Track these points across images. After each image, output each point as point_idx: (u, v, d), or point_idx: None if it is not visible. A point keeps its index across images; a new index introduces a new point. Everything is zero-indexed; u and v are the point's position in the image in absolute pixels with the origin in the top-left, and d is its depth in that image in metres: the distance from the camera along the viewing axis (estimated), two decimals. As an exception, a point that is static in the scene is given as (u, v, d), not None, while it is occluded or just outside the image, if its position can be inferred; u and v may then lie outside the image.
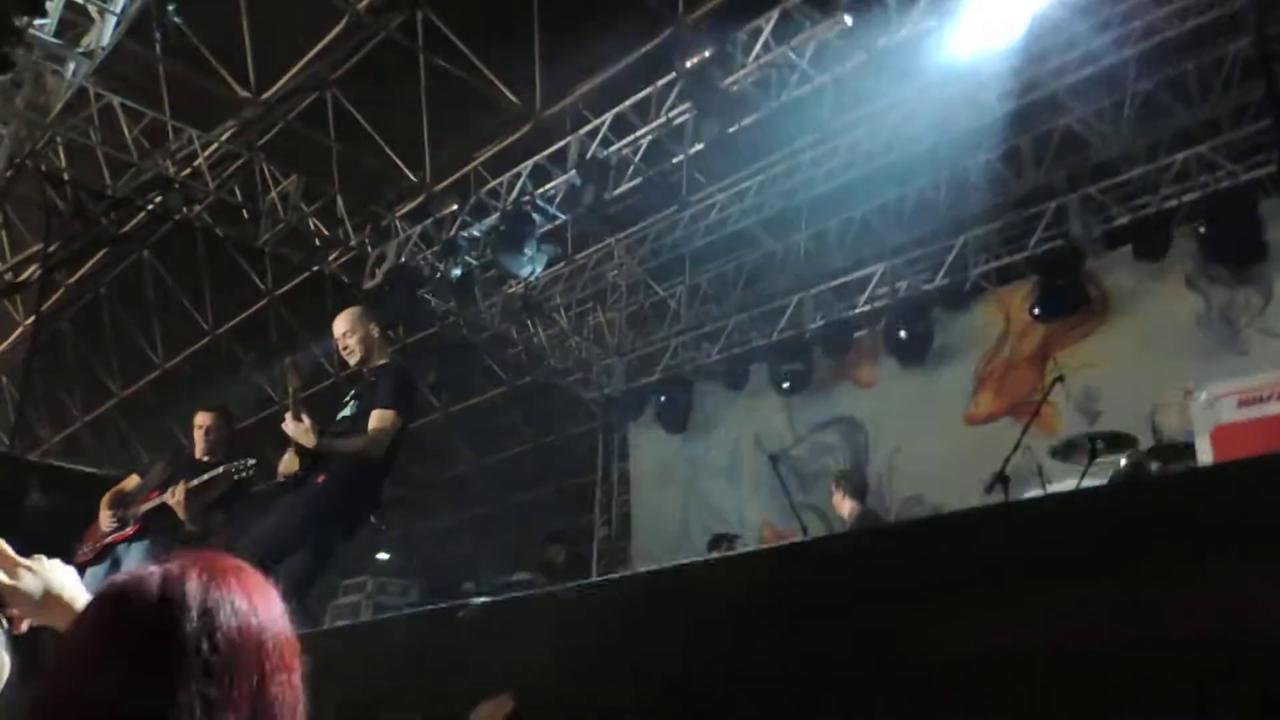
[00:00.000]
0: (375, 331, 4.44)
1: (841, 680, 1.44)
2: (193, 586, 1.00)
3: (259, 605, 1.03)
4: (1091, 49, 7.53)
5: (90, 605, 1.04)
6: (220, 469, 4.55)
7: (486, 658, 2.47)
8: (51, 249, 9.36)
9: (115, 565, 4.73)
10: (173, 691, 0.93)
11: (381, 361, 4.39)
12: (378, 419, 4.09)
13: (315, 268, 10.29)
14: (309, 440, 3.96)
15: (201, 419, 5.02)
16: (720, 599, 1.78)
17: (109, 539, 4.80)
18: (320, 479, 4.04)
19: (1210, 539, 1.22)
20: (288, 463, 4.12)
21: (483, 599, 2.85)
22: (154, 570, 1.04)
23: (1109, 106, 8.34)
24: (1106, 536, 1.34)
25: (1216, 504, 1.29)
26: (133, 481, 5.03)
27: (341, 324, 4.40)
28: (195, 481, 4.56)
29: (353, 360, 4.37)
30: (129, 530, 4.78)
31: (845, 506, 7.28)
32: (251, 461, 4.54)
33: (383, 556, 15.97)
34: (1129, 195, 8.53)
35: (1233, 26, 7.08)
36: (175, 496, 4.54)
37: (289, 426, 4.00)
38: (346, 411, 4.17)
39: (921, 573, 1.50)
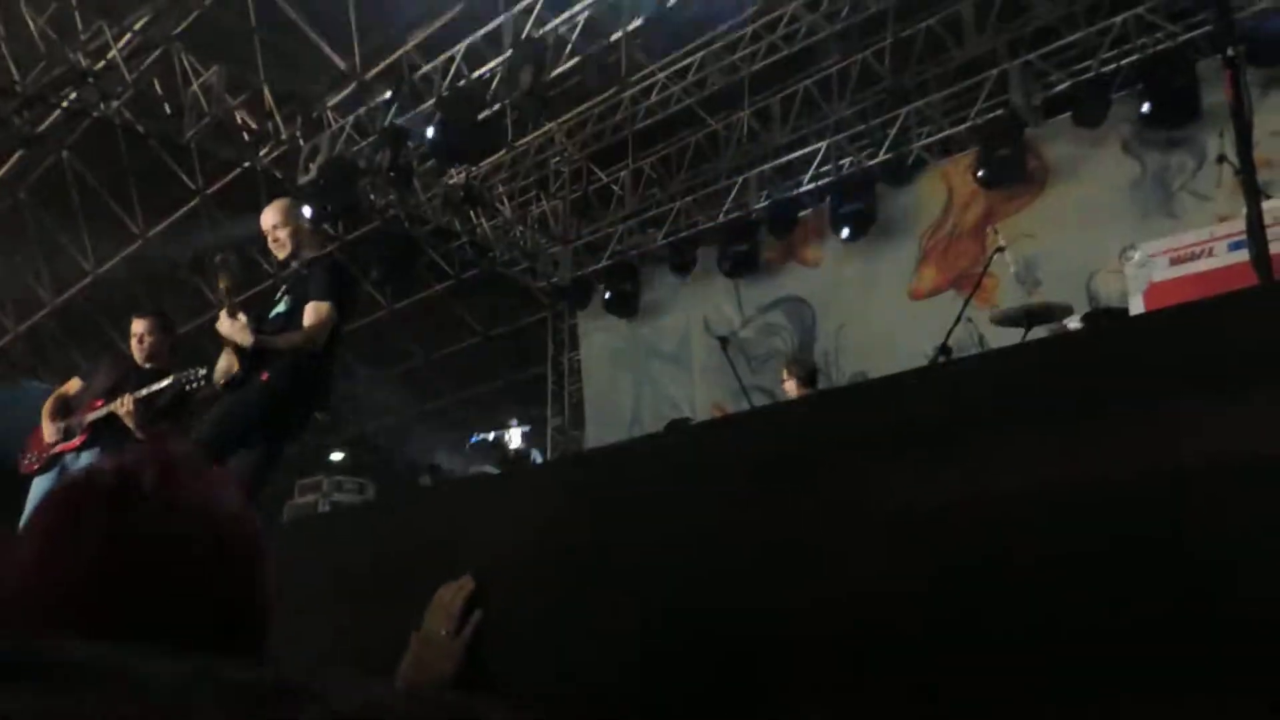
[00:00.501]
0: (305, 224, 4.35)
1: (797, 541, 1.48)
2: (149, 477, 0.99)
3: (218, 494, 1.03)
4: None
5: (44, 500, 1.02)
6: (170, 379, 4.47)
7: (447, 540, 2.50)
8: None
9: (64, 474, 4.69)
10: (132, 581, 0.93)
11: (313, 254, 4.29)
12: (314, 311, 4.02)
13: (246, 164, 9.94)
14: (245, 338, 3.88)
15: (137, 326, 4.91)
16: (674, 472, 1.81)
17: (56, 449, 4.73)
18: (264, 377, 3.97)
19: (1137, 381, 1.26)
20: (226, 364, 4.04)
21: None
22: (109, 463, 1.02)
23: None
24: (1038, 387, 1.37)
25: (1143, 348, 1.32)
26: (75, 385, 4.94)
27: (270, 216, 4.27)
28: (144, 392, 4.50)
29: (281, 254, 4.25)
30: (76, 440, 4.72)
31: (794, 391, 7.40)
32: (202, 371, 4.42)
33: (337, 455, 16.02)
34: (1069, 61, 8.52)
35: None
36: (124, 406, 4.48)
37: (224, 325, 3.91)
38: (280, 308, 4.07)
39: (870, 432, 1.53)
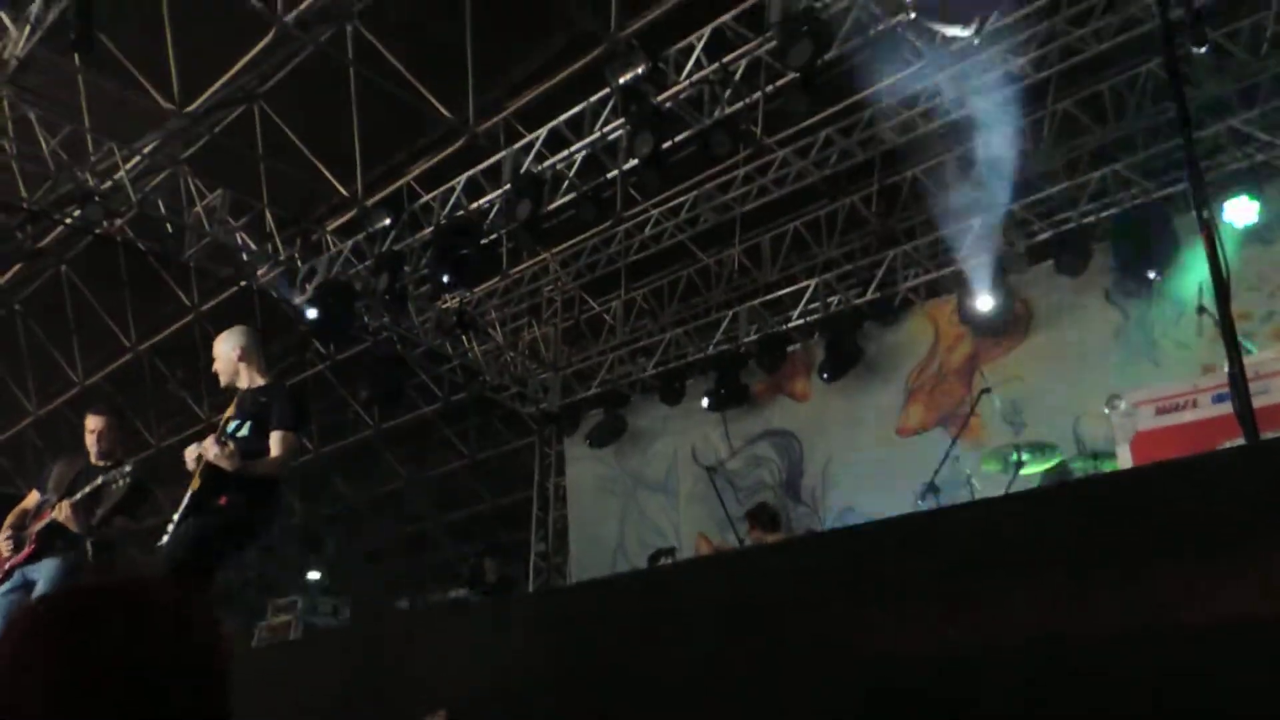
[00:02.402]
0: (256, 352, 4.45)
1: (776, 687, 1.45)
2: (118, 602, 0.99)
3: (188, 618, 1.02)
4: (1012, 69, 7.77)
5: (7, 627, 1.01)
6: (100, 481, 4.53)
7: (422, 669, 2.44)
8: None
9: (26, 585, 4.72)
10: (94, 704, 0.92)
11: (265, 381, 4.39)
12: (281, 441, 4.13)
13: (243, 282, 10.06)
14: (231, 464, 3.96)
15: (92, 423, 4.96)
16: (656, 608, 1.78)
17: (10, 562, 4.76)
18: (221, 500, 4.06)
19: (1130, 538, 1.26)
20: (191, 462, 4.12)
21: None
22: (72, 588, 1.02)
23: (1030, 125, 8.61)
24: (1034, 538, 1.38)
25: (1135, 505, 1.33)
26: (34, 499, 4.94)
27: (220, 346, 4.42)
28: (77, 496, 4.57)
29: (229, 382, 4.37)
30: (25, 551, 4.75)
31: (767, 540, 7.40)
32: (127, 468, 4.51)
33: (314, 576, 15.68)
34: (1050, 211, 8.81)
35: (1144, 48, 7.35)
36: (63, 513, 4.55)
37: (209, 449, 3.99)
38: (244, 432, 4.10)
39: (856, 577, 1.52)
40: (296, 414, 4.27)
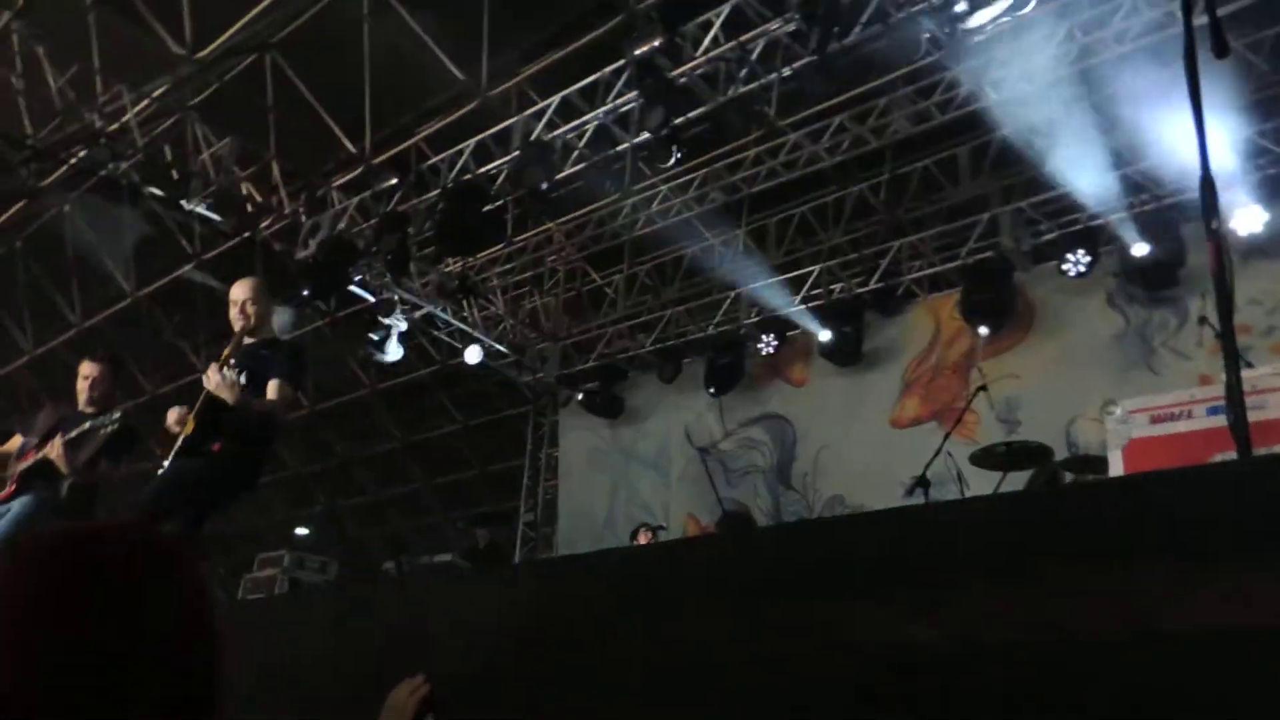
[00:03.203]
0: (272, 307, 4.49)
1: (757, 670, 1.45)
2: (114, 555, 0.99)
3: (180, 573, 1.03)
4: (1031, 65, 7.71)
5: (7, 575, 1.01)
6: (87, 425, 4.55)
7: (407, 633, 2.44)
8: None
9: None
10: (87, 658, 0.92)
11: (271, 335, 4.41)
12: (279, 388, 4.11)
13: (246, 234, 10.01)
14: (232, 394, 3.91)
15: (87, 369, 4.95)
16: (643, 586, 1.79)
17: None
18: (215, 447, 4.03)
19: (1117, 546, 1.26)
20: (179, 419, 4.06)
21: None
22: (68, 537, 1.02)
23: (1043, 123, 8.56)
24: (1020, 540, 1.37)
25: (1124, 511, 1.33)
26: (15, 442, 4.96)
27: (245, 289, 4.36)
28: (70, 435, 4.57)
29: (242, 325, 4.30)
30: (6, 491, 4.77)
31: None
32: (116, 414, 4.52)
33: (301, 531, 15.73)
34: (1058, 212, 8.76)
35: (1165, 51, 7.28)
36: (55, 450, 4.55)
37: (212, 378, 3.94)
38: (241, 380, 4.07)
39: (842, 569, 1.52)
40: (296, 368, 4.26)
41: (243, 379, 4.04)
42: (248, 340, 4.32)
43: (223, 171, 9.15)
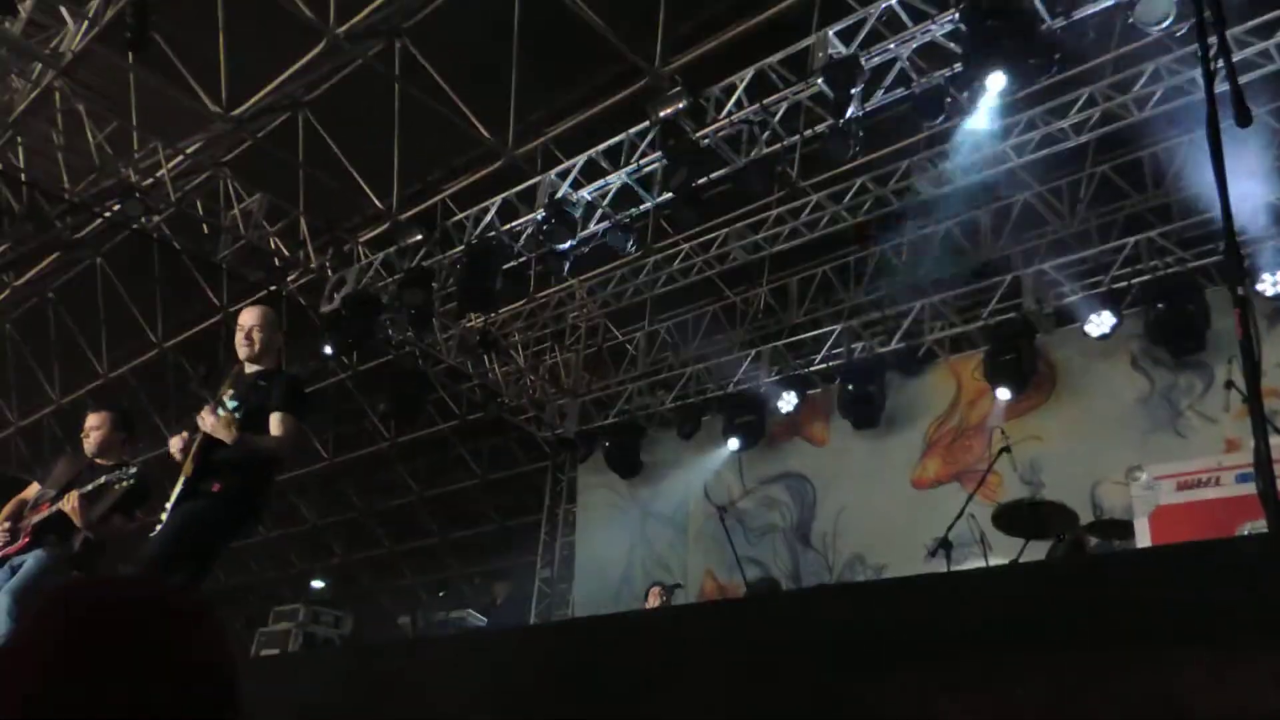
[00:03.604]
0: (279, 340, 4.36)
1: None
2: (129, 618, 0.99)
3: (196, 638, 1.02)
4: (1051, 131, 7.77)
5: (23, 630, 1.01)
6: (103, 479, 4.52)
7: (418, 696, 2.42)
8: (1, 249, 9.15)
9: (13, 574, 4.67)
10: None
11: (272, 366, 4.27)
12: (282, 423, 3.99)
13: (273, 287, 10.16)
14: (229, 434, 3.84)
15: (90, 420, 4.95)
16: (660, 650, 1.76)
17: (2, 553, 4.73)
18: (215, 488, 3.91)
19: (1146, 623, 1.23)
20: (183, 447, 3.97)
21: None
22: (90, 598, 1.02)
23: (1066, 186, 8.59)
24: (1046, 613, 1.35)
25: (1153, 586, 1.30)
26: (33, 490, 4.95)
27: (255, 316, 4.29)
28: (89, 487, 4.54)
29: (245, 353, 4.20)
30: (20, 543, 4.73)
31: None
32: (133, 469, 4.49)
33: (317, 584, 15.67)
34: (1081, 274, 8.75)
35: (1187, 117, 7.33)
36: (70, 504, 4.53)
37: (206, 420, 3.88)
38: (239, 415, 3.96)
39: (862, 636, 1.50)
40: (297, 399, 4.14)
41: (238, 414, 3.96)
42: (248, 369, 4.22)
43: (252, 226, 9.32)
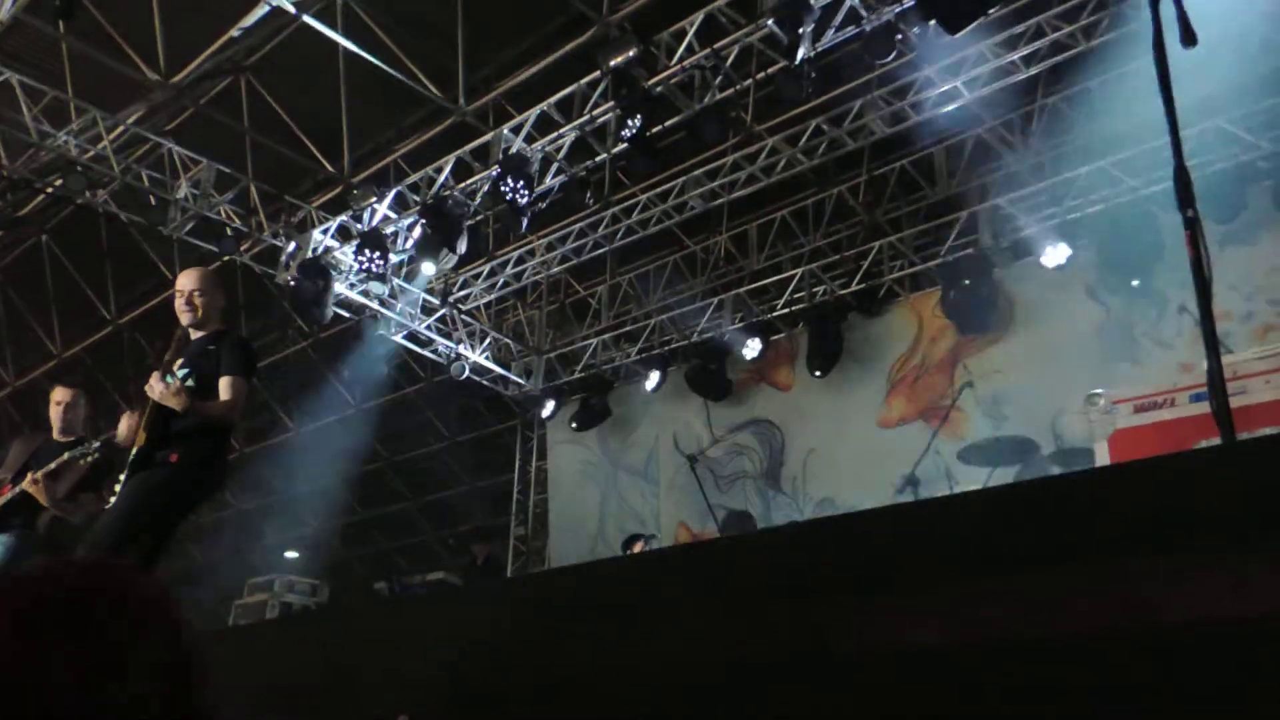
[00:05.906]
0: (221, 300, 4.25)
1: (757, 675, 1.45)
2: (96, 593, 0.98)
3: (157, 611, 1.02)
4: (1003, 64, 7.80)
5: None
6: (65, 456, 4.47)
7: (398, 655, 2.43)
8: (-60, 231, 8.88)
9: None
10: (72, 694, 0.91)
11: (217, 328, 4.18)
12: (231, 386, 3.93)
13: (226, 257, 9.97)
14: (179, 402, 3.76)
15: (59, 394, 4.89)
16: (639, 595, 1.78)
17: None
18: (172, 458, 3.84)
19: (1109, 537, 1.27)
20: (128, 431, 3.92)
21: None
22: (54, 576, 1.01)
23: (1018, 119, 8.63)
24: (1014, 535, 1.38)
25: (1111, 503, 1.33)
26: None
27: (193, 280, 4.16)
28: (47, 469, 4.50)
29: (188, 318, 4.10)
30: None
31: None
32: (96, 444, 4.46)
33: (291, 555, 15.62)
34: (1035, 206, 8.82)
35: (1134, 44, 7.37)
36: (34, 485, 4.50)
37: (155, 388, 3.78)
38: (189, 383, 3.88)
39: (836, 569, 1.53)
40: (245, 360, 4.07)
41: (190, 381, 3.89)
42: (194, 334, 4.13)
43: (201, 196, 9.12)
